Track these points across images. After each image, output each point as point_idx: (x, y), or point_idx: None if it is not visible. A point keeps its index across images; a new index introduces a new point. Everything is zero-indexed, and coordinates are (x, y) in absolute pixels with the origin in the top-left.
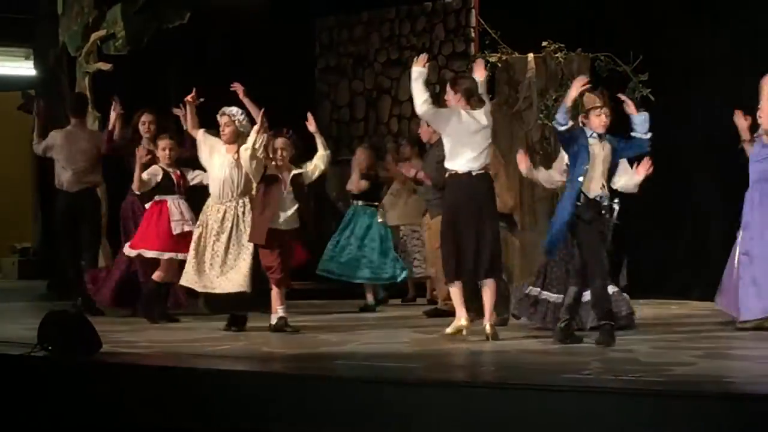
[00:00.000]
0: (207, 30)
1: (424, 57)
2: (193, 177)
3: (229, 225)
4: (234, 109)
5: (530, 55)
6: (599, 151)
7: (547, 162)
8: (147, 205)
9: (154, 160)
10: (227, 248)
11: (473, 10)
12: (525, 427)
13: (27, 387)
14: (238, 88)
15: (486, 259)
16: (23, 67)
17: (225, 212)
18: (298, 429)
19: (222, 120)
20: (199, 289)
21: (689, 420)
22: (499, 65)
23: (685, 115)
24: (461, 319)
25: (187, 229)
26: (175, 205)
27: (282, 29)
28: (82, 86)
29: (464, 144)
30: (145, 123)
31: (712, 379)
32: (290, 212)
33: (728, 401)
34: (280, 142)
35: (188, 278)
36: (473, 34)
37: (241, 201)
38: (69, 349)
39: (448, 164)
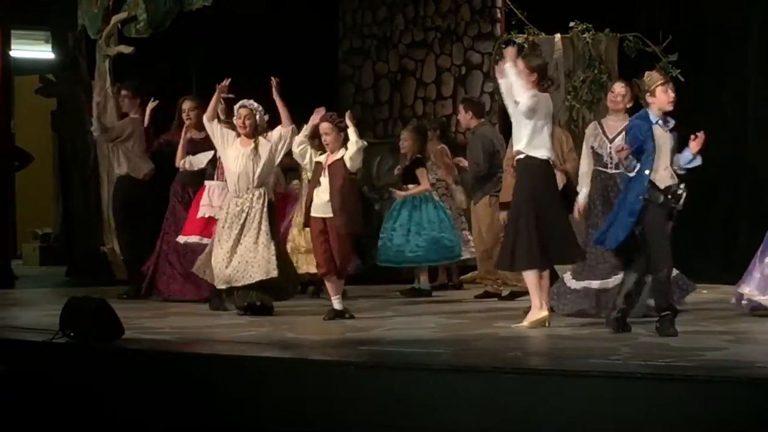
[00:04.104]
0: (230, 12)
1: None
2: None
3: (244, 218)
4: (254, 103)
5: (557, 36)
6: (665, 140)
7: (576, 144)
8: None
9: (196, 145)
10: (239, 241)
11: None
12: (553, 412)
13: (49, 373)
14: (275, 84)
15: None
16: (42, 51)
17: (242, 206)
18: (323, 415)
19: (242, 112)
20: (220, 286)
21: (720, 405)
22: (526, 46)
23: (716, 96)
24: (543, 310)
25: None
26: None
27: (305, 11)
28: (102, 70)
29: (543, 130)
30: (185, 110)
31: (743, 364)
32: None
33: (760, 387)
34: (325, 126)
35: (209, 274)
36: (499, 15)
37: (258, 192)
38: (91, 335)
39: (528, 149)
